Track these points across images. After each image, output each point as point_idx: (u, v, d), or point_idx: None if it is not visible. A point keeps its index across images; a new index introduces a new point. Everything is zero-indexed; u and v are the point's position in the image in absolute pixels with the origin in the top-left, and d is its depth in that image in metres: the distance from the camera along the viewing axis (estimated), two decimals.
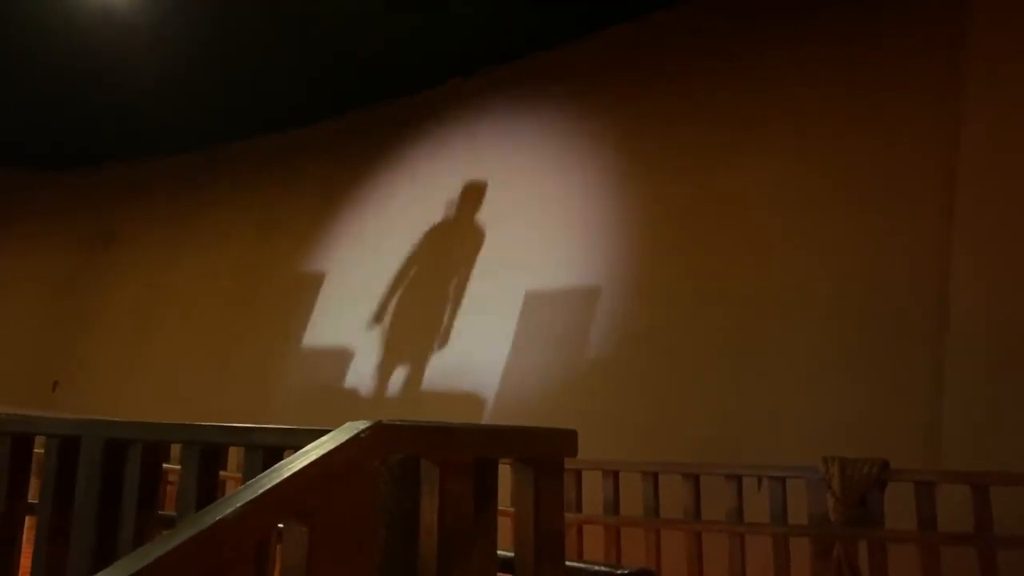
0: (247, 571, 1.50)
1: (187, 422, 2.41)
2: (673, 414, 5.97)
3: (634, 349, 6.46)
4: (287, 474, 1.54)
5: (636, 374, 6.34)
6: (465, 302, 7.60)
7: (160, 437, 2.43)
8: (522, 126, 7.90)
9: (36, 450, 2.74)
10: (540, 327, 7.05)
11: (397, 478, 1.98)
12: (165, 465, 3.04)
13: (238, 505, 1.43)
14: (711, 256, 6.36)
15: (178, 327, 9.60)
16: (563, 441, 2.10)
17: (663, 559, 4.52)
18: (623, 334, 6.57)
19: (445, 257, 7.96)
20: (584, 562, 2.30)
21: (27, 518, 2.68)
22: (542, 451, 2.06)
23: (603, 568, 2.14)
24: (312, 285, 8.74)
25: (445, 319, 7.62)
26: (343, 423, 1.74)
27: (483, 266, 7.63)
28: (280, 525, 1.63)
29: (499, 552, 2.06)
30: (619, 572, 2.05)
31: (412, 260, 8.15)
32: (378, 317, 8.06)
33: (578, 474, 4.74)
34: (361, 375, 7.96)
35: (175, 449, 2.47)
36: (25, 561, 2.60)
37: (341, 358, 8.14)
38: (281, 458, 1.83)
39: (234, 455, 2.74)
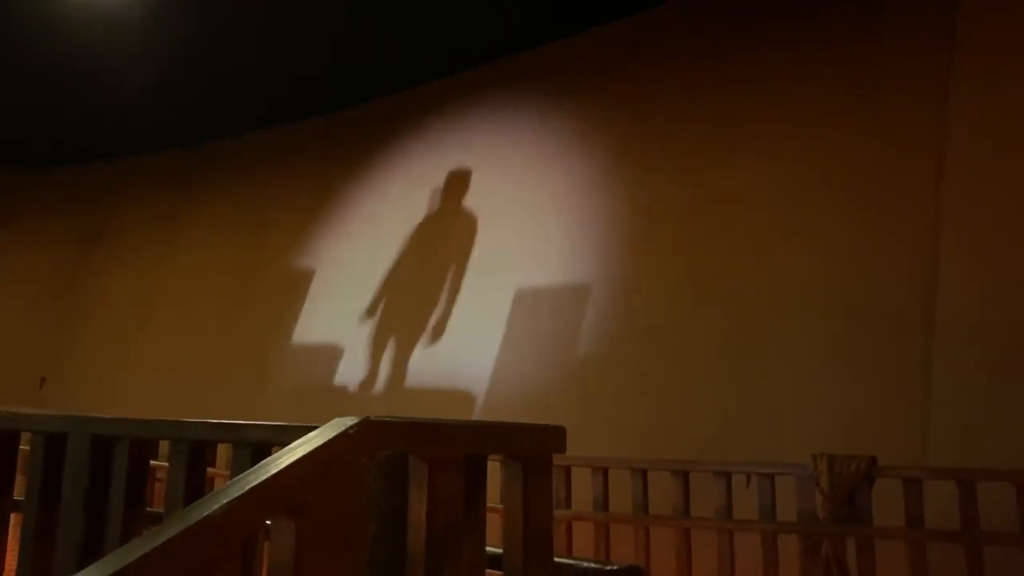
0: (233, 568, 1.49)
1: (175, 419, 2.40)
2: (664, 412, 5.98)
3: (625, 347, 6.46)
4: (274, 470, 1.54)
5: (627, 372, 6.35)
6: (456, 300, 7.59)
7: (148, 434, 2.42)
8: (515, 123, 7.90)
9: (22, 447, 2.73)
10: (531, 325, 7.05)
11: (386, 474, 1.98)
12: (153, 462, 3.03)
13: (224, 502, 1.42)
14: (704, 255, 6.37)
15: (168, 324, 9.56)
16: (551, 437, 2.10)
17: (652, 556, 4.53)
18: (614, 332, 6.57)
19: (436, 254, 7.96)
20: (573, 558, 2.31)
21: (12, 515, 2.67)
22: (530, 447, 2.06)
23: (591, 565, 2.14)
24: (303, 282, 8.72)
25: (436, 317, 7.62)
26: (332, 420, 1.73)
27: (475, 264, 7.63)
28: (268, 522, 1.62)
29: (488, 548, 2.06)
30: (607, 569, 2.05)
31: (403, 257, 8.14)
32: (369, 314, 8.04)
33: (568, 471, 4.75)
34: (352, 372, 7.95)
35: (163, 446, 2.45)
36: (10, 559, 2.58)
37: (332, 355, 8.12)
38: (269, 455, 1.82)
39: (223, 452, 2.73)
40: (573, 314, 6.79)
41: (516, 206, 7.53)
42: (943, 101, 5.58)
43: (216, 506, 1.42)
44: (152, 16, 7.43)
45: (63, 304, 10.52)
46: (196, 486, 2.21)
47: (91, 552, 2.28)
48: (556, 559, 2.08)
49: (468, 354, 7.24)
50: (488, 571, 2.07)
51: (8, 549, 2.64)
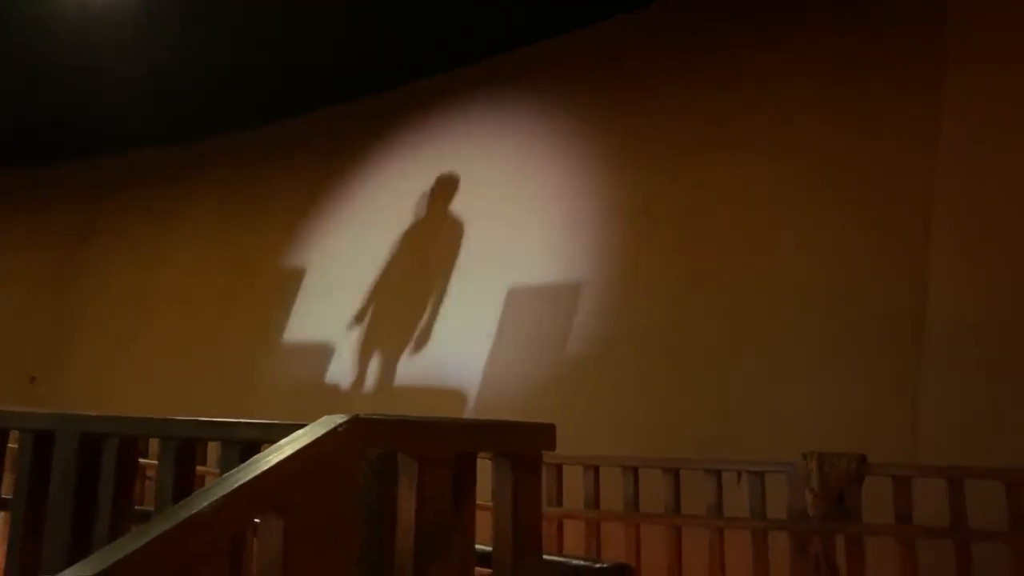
0: (221, 566, 1.49)
1: (165, 416, 2.40)
2: (658, 411, 5.98)
3: (617, 346, 6.47)
4: (263, 468, 1.54)
5: (619, 371, 6.35)
6: (448, 298, 7.59)
7: (136, 431, 2.42)
8: (508, 121, 7.89)
9: (10, 445, 2.72)
10: (523, 323, 7.05)
11: (377, 472, 1.98)
12: (143, 460, 3.02)
13: (212, 500, 1.42)
14: (699, 255, 6.37)
15: (159, 322, 9.53)
16: (541, 435, 2.10)
17: (643, 553, 4.54)
18: (607, 332, 6.58)
19: (428, 252, 7.95)
20: (563, 556, 2.31)
21: (1, 514, 2.66)
22: (520, 445, 2.06)
23: (581, 563, 2.14)
24: (296, 280, 8.70)
25: (427, 315, 7.61)
26: (322, 417, 1.73)
27: (467, 262, 7.62)
28: (257, 520, 1.62)
29: (478, 546, 2.06)
30: (596, 567, 2.05)
31: (395, 255, 8.12)
32: (361, 312, 8.03)
33: (559, 468, 4.75)
34: (343, 371, 7.94)
35: (153, 444, 2.45)
36: None
37: (323, 353, 8.11)
38: (259, 453, 1.82)
39: (215, 451, 2.73)
40: (566, 313, 6.79)
41: (510, 205, 7.52)
42: (932, 99, 5.60)
43: (203, 504, 1.42)
44: (142, 12, 7.38)
45: (57, 302, 10.48)
46: (185, 484, 2.20)
47: (79, 550, 2.27)
48: (545, 557, 2.08)
49: (460, 353, 7.23)
50: (478, 569, 2.08)
51: None
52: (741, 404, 5.68)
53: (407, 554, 1.85)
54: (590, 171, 7.18)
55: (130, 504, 2.35)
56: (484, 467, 2.05)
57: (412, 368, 7.53)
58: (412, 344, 7.61)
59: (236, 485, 1.45)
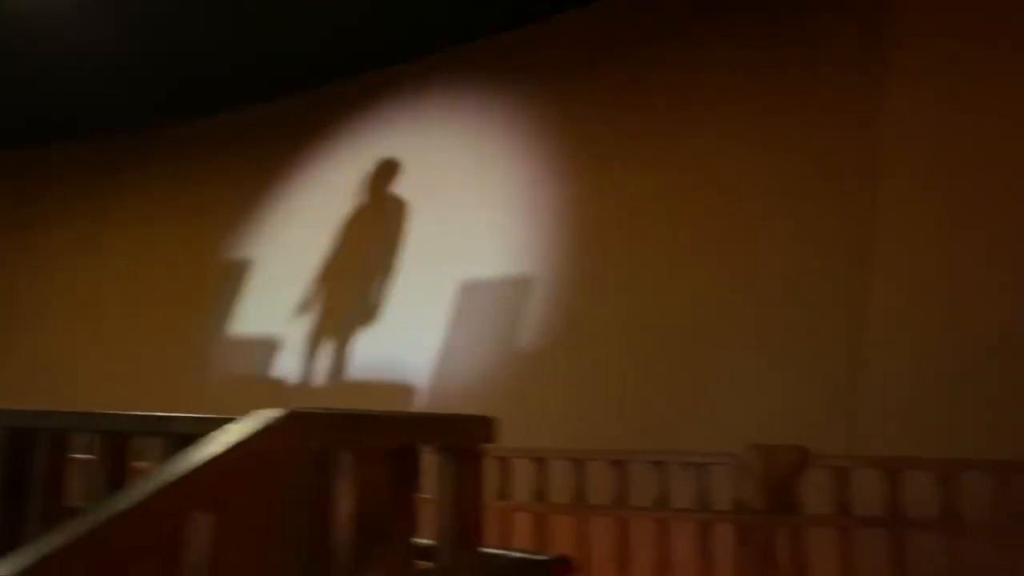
0: (150, 563, 1.46)
1: (103, 411, 2.35)
2: (604, 402, 6.02)
3: (567, 340, 6.49)
4: (193, 464, 1.51)
5: (569, 364, 6.38)
6: (399, 291, 7.54)
7: (67, 426, 2.36)
8: (462, 113, 7.85)
9: None
10: (474, 317, 7.03)
11: (319, 466, 1.96)
12: (77, 456, 2.95)
13: (139, 496, 1.39)
14: (646, 246, 6.42)
15: (99, 316, 9.32)
16: (481, 428, 2.10)
17: (591, 545, 4.56)
18: (557, 324, 6.60)
19: (375, 244, 7.88)
20: (504, 549, 2.31)
21: None
22: (460, 438, 2.05)
23: (520, 555, 2.15)
24: (240, 272, 8.57)
25: (374, 306, 7.55)
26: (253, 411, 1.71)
27: (417, 254, 7.58)
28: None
29: (420, 540, 2.05)
30: (535, 558, 2.06)
31: (341, 247, 8.04)
32: (305, 303, 7.94)
33: (506, 461, 4.75)
34: (289, 364, 7.84)
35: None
36: None
37: (268, 347, 8.01)
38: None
39: (155, 446, 2.67)
40: (517, 306, 6.80)
41: (463, 196, 7.49)
42: (876, 93, 5.70)
43: (130, 500, 1.39)
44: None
45: None
46: (118, 480, 2.16)
47: (8, 548, 2.21)
48: (485, 550, 2.08)
49: (411, 346, 7.20)
50: (419, 563, 2.07)
51: None
52: (687, 396, 5.74)
53: (346, 548, 1.84)
54: (543, 163, 7.18)
55: (61, 501, 2.30)
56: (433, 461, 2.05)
57: (363, 361, 7.48)
58: (362, 336, 7.55)
59: (163, 481, 1.43)
